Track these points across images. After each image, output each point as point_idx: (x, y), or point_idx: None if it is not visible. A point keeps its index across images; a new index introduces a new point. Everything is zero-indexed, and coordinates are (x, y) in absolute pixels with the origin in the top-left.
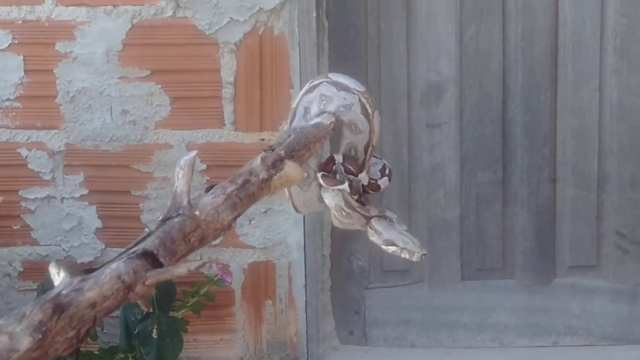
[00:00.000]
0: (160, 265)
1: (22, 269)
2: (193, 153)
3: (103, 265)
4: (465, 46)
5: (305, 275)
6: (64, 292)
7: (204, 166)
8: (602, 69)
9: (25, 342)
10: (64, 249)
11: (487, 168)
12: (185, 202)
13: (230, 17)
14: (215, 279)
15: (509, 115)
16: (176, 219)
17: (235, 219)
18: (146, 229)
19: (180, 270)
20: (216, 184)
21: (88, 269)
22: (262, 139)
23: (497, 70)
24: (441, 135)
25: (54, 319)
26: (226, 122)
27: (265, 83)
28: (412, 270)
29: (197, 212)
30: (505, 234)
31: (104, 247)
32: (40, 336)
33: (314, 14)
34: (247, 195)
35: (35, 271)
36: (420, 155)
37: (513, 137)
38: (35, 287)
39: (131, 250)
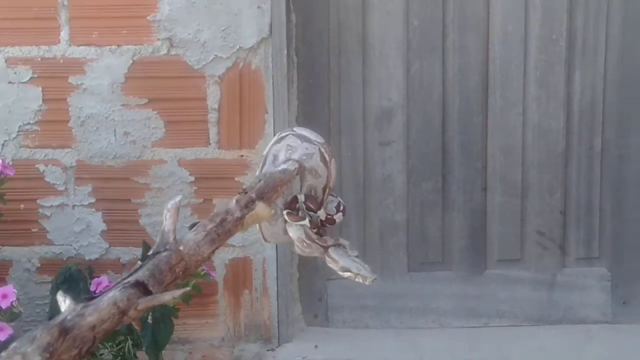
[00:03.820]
0: (150, 293)
1: (39, 265)
2: (178, 197)
3: (102, 294)
4: (411, 78)
5: (277, 268)
6: (68, 317)
7: (192, 178)
8: (525, 96)
9: None
10: (74, 248)
11: (429, 179)
12: (171, 239)
13: (215, 55)
14: (202, 273)
15: (447, 135)
16: (164, 254)
17: (213, 251)
18: (138, 262)
19: (166, 297)
20: (198, 222)
21: (89, 297)
22: (242, 156)
23: (438, 98)
24: (391, 152)
25: (60, 340)
26: (211, 141)
27: (244, 109)
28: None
29: (181, 247)
30: (444, 233)
31: (108, 246)
32: (48, 355)
33: (285, 52)
34: (224, 231)
35: (51, 267)
36: (373, 169)
37: (451, 153)
38: (50, 280)
39: (125, 281)
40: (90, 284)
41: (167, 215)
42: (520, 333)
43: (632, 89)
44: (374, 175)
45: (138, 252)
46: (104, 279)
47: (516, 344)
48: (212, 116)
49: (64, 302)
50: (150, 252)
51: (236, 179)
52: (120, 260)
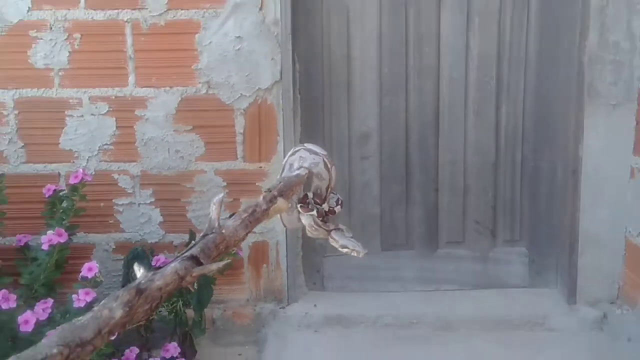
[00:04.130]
0: (201, 264)
1: (114, 247)
2: (221, 194)
3: (166, 265)
4: (383, 110)
5: (286, 249)
6: (142, 281)
7: (225, 183)
8: (465, 123)
9: (118, 313)
10: (140, 235)
11: (396, 183)
12: (216, 225)
13: (241, 94)
14: (233, 252)
15: (409, 151)
16: (211, 235)
17: (247, 234)
18: (193, 241)
19: (213, 267)
20: (236, 212)
21: (157, 267)
22: (260, 167)
23: (403, 125)
24: (369, 164)
25: (136, 298)
26: (238, 156)
27: (262, 133)
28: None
29: (224, 231)
30: (407, 223)
31: (164, 233)
32: (127, 309)
33: (292, 92)
34: (254, 219)
35: (122, 248)
36: (356, 176)
37: (412, 164)
38: (122, 258)
39: (183, 255)
40: (152, 260)
41: (213, 207)
42: (463, 295)
43: (543, 118)
44: (356, 181)
45: (186, 237)
46: (161, 257)
47: (460, 302)
48: (239, 138)
49: (139, 271)
50: (200, 234)
51: (257, 184)
52: (173, 243)
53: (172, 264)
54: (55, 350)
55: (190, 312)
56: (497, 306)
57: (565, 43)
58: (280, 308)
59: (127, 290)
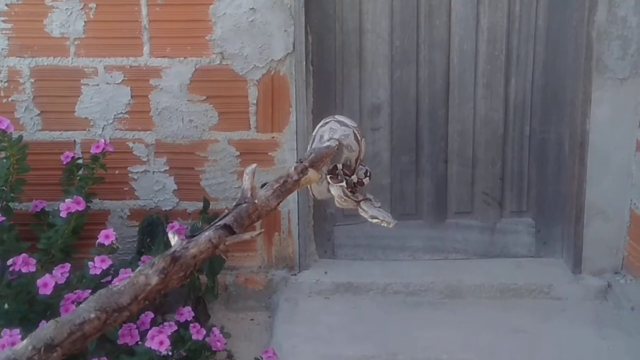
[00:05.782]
0: (234, 233)
1: (129, 214)
2: (254, 165)
3: (200, 232)
4: (394, 82)
5: (298, 217)
6: (177, 249)
7: (238, 153)
8: (475, 95)
9: (154, 280)
10: (154, 202)
11: (406, 154)
12: (249, 195)
13: (254, 65)
14: None
15: (419, 123)
16: (244, 205)
17: (278, 204)
18: (226, 209)
19: (246, 236)
20: (268, 182)
21: (191, 235)
22: (273, 137)
23: (413, 96)
24: (379, 135)
25: (171, 265)
26: (251, 126)
27: (275, 104)
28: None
29: (256, 201)
30: (417, 193)
31: (178, 200)
32: (163, 276)
33: (304, 63)
34: (286, 189)
35: (137, 215)
36: (366, 147)
37: (422, 136)
38: (137, 224)
39: (217, 223)
40: (166, 227)
41: (246, 178)
42: (470, 264)
43: (551, 91)
44: (367, 151)
45: (200, 205)
46: (176, 224)
47: (467, 271)
48: (252, 109)
49: (174, 239)
50: (234, 204)
51: (269, 153)
52: (187, 210)
53: (206, 233)
54: (93, 315)
55: (203, 278)
56: (503, 275)
57: (574, 18)
58: (291, 275)
59: (162, 258)
